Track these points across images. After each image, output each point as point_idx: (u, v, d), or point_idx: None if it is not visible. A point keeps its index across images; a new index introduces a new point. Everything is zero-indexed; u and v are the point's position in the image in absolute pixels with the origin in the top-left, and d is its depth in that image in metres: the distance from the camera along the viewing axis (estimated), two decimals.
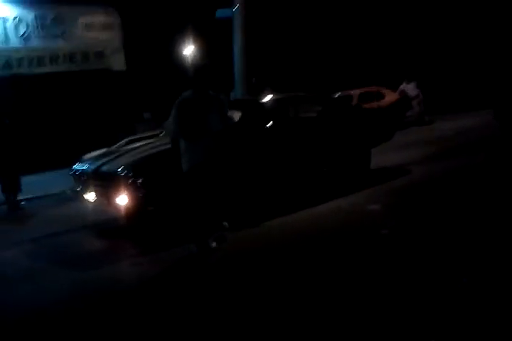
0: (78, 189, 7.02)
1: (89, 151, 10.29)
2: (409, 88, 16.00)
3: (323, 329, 3.15)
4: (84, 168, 6.95)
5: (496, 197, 5.70)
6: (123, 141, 9.77)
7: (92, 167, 6.72)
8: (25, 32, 16.33)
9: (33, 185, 10.29)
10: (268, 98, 7.55)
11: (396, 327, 3.04)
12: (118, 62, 17.74)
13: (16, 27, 16.19)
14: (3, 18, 15.67)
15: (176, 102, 5.30)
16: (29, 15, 16.14)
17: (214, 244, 5.25)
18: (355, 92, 16.12)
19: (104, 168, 6.45)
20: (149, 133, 9.65)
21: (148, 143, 7.12)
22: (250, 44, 12.37)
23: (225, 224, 5.43)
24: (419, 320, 3.07)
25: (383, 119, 8.94)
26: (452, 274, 3.69)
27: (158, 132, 9.40)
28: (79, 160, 7.64)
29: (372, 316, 3.23)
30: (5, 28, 15.99)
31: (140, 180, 5.75)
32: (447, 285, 3.53)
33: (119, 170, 5.92)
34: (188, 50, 21.35)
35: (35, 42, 16.43)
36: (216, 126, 5.17)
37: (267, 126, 7.02)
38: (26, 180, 9.84)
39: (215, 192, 5.19)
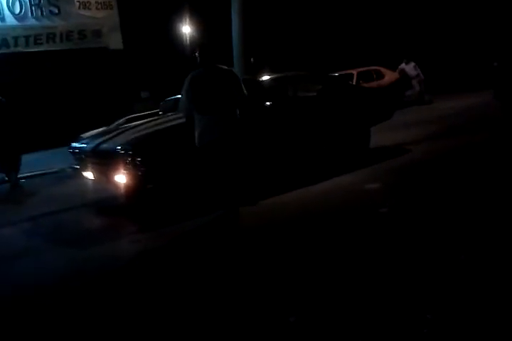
0: (77, 166, 7.01)
1: (87, 130, 10.30)
2: (409, 68, 15.94)
3: (324, 299, 3.17)
4: (83, 145, 6.93)
5: (495, 175, 5.71)
6: (122, 120, 9.77)
7: (91, 145, 6.70)
8: (21, 10, 16.17)
9: (32, 163, 10.29)
10: (267, 77, 7.50)
11: (393, 300, 3.06)
12: (115, 41, 17.60)
13: (12, 5, 16.03)
14: None
15: (188, 79, 5.27)
16: None
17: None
18: (355, 72, 16.03)
19: (103, 146, 6.44)
20: (148, 112, 9.64)
21: (148, 122, 7.10)
22: (249, 23, 12.24)
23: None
24: (416, 296, 3.09)
25: (383, 98, 8.90)
26: (450, 251, 3.71)
27: (156, 111, 9.38)
28: (77, 138, 7.62)
29: (369, 291, 3.25)
30: (1, 7, 15.83)
31: (139, 158, 5.73)
32: (445, 261, 3.54)
33: (119, 148, 5.90)
34: (186, 28, 21.17)
35: (31, 21, 16.30)
36: (235, 99, 5.23)
37: (266, 104, 6.98)
38: (25, 159, 9.81)
39: (232, 168, 5.24)
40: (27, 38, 16.19)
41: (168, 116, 7.45)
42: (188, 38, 21.14)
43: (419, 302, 3.01)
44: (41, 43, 16.39)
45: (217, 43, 5.99)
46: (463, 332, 2.66)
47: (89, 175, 6.72)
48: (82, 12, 17.09)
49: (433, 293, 3.10)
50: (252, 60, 12.92)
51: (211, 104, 5.16)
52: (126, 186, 6.02)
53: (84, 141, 7.33)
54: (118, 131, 7.03)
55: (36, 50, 16.17)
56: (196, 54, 5.36)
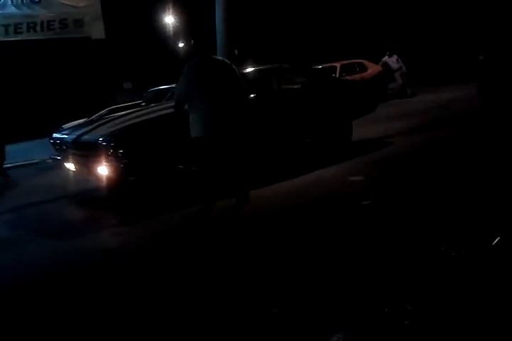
0: (59, 157, 6.95)
1: (69, 121, 10.19)
2: (391, 61, 16.02)
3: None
4: (64, 136, 6.86)
5: (476, 168, 5.77)
6: (104, 111, 9.67)
7: (73, 136, 6.64)
8: None
9: (13, 154, 10.16)
10: (251, 69, 7.48)
11: (374, 292, 3.09)
12: (97, 31, 17.38)
13: None
14: None
15: (189, 66, 5.28)
16: None
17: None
18: (338, 64, 16.06)
19: (85, 137, 6.38)
20: (130, 103, 9.56)
21: (130, 113, 7.03)
22: (233, 14, 12.18)
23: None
24: (397, 287, 3.12)
25: (366, 91, 8.93)
26: (431, 243, 3.74)
27: (139, 102, 9.31)
28: (59, 129, 7.55)
29: (350, 282, 3.28)
30: None
31: (121, 150, 5.70)
32: (426, 253, 3.58)
33: (101, 139, 5.85)
34: (169, 18, 21.01)
35: (11, 9, 16.02)
36: (236, 90, 5.29)
37: (251, 96, 6.96)
38: (6, 149, 9.69)
39: (235, 158, 5.37)
40: (6, 26, 15.92)
41: (150, 107, 7.40)
42: (171, 29, 20.98)
43: (399, 293, 3.05)
44: (21, 32, 16.13)
45: (198, 35, 6.07)
46: (443, 324, 2.70)
47: (70, 166, 6.67)
48: (64, 1, 16.83)
49: (414, 285, 3.13)
50: (236, 51, 12.89)
51: (216, 91, 5.18)
52: (108, 178, 5.99)
53: (65, 132, 7.25)
54: (100, 122, 6.97)
55: (16, 39, 15.92)
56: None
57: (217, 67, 5.28)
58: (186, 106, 5.39)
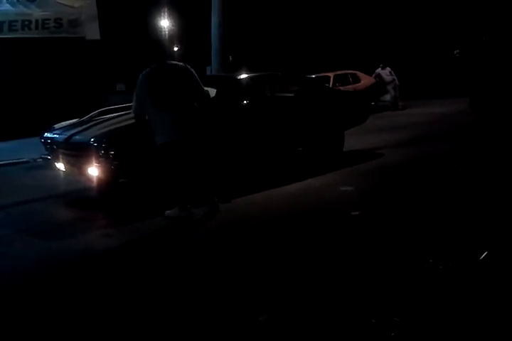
0: (49, 157, 6.90)
1: (60, 121, 10.12)
2: (384, 73, 16.14)
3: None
4: (55, 136, 6.82)
5: (464, 182, 5.82)
6: (95, 112, 9.61)
7: (64, 136, 6.59)
8: None
9: (3, 152, 10.08)
10: (244, 75, 7.50)
11: (361, 303, 3.10)
12: (92, 31, 17.33)
13: None
14: None
15: (143, 75, 5.20)
16: None
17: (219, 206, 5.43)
18: (332, 74, 16.16)
19: (76, 138, 6.34)
20: (123, 105, 9.52)
21: (122, 115, 7.00)
22: (228, 21, 12.24)
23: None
24: (384, 299, 3.13)
25: (358, 102, 8.99)
26: (419, 255, 3.76)
27: (131, 104, 9.27)
28: (50, 129, 7.49)
29: (337, 293, 3.28)
30: None
31: (113, 152, 5.68)
32: (413, 265, 3.60)
33: (92, 140, 5.82)
34: (164, 22, 21.05)
35: (5, 7, 15.94)
36: (195, 92, 5.17)
37: (243, 103, 6.98)
38: None
39: (197, 167, 5.25)
40: (1, 23, 15.83)
41: None
42: (166, 32, 21.00)
43: (387, 304, 3.05)
44: (16, 30, 16.04)
45: (193, 39, 6.00)
46: (430, 336, 2.71)
47: (60, 166, 6.63)
48: (60, 0, 16.79)
49: (401, 296, 3.15)
50: (230, 57, 12.93)
51: (169, 100, 5.09)
52: (99, 179, 5.96)
53: (57, 132, 7.20)
54: (92, 123, 6.92)
55: (10, 36, 15.83)
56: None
57: (170, 74, 5.16)
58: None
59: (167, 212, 5.39)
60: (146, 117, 5.31)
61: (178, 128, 5.13)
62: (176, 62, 5.30)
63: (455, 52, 8.57)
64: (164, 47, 5.32)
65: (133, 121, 6.27)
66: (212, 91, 6.91)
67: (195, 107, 5.26)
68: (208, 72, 12.27)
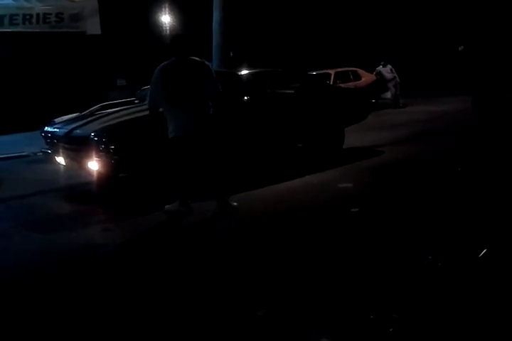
0: (49, 151, 6.91)
1: (61, 115, 10.15)
2: (385, 70, 16.12)
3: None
4: (56, 130, 6.83)
5: (464, 180, 5.83)
6: (96, 106, 9.64)
7: (64, 130, 6.60)
8: None
9: (3, 146, 10.08)
10: (246, 71, 7.49)
11: (359, 299, 3.11)
12: (93, 26, 17.30)
13: None
14: None
15: (158, 69, 5.16)
16: None
17: (234, 204, 5.34)
18: (333, 71, 16.15)
19: (77, 132, 6.35)
20: (124, 100, 9.54)
21: (123, 110, 7.02)
22: (230, 17, 12.21)
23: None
24: (383, 295, 3.14)
25: (359, 99, 8.98)
26: (418, 252, 3.77)
27: (132, 99, 9.29)
28: (50, 123, 7.51)
29: (336, 289, 3.29)
30: None
31: (113, 146, 5.68)
32: (412, 262, 3.61)
33: (93, 134, 5.83)
34: (166, 17, 21.00)
35: (7, 0, 15.91)
36: (209, 91, 5.10)
37: (243, 99, 6.97)
38: None
39: (212, 161, 5.21)
40: (2, 17, 15.80)
41: (144, 104, 7.38)
42: (167, 28, 20.95)
43: (386, 301, 3.06)
44: (17, 24, 16.02)
45: (194, 35, 5.91)
46: (428, 332, 2.72)
47: (61, 160, 6.63)
48: None
49: (400, 293, 3.15)
50: (231, 53, 12.90)
51: (181, 96, 5.06)
52: (99, 173, 5.97)
53: (57, 126, 7.21)
54: (92, 118, 6.94)
55: (11, 30, 15.80)
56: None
57: (185, 69, 5.11)
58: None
59: (167, 206, 5.38)
60: (160, 109, 5.27)
61: (187, 124, 5.09)
62: (194, 58, 5.21)
63: (459, 48, 8.50)
64: (185, 42, 5.21)
65: (133, 115, 6.32)
66: None
67: (207, 104, 5.19)
68: None
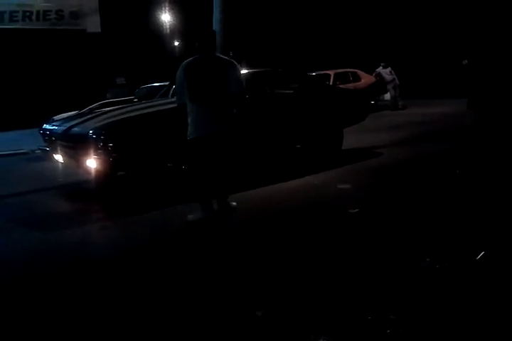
0: (47, 148, 6.90)
1: (59, 113, 10.12)
2: (385, 72, 16.13)
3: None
4: (54, 127, 6.81)
5: (462, 182, 5.83)
6: (95, 104, 9.63)
7: (63, 127, 6.59)
8: None
9: (1, 143, 10.07)
10: (244, 71, 7.47)
11: (357, 300, 3.10)
12: (93, 24, 17.29)
13: None
14: None
15: (183, 66, 4.98)
16: None
17: (233, 204, 5.25)
18: (332, 72, 16.16)
19: (75, 130, 6.34)
20: (123, 98, 9.53)
21: (122, 108, 7.01)
22: (230, 16, 12.21)
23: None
24: (380, 294, 3.14)
25: (358, 100, 8.98)
26: (416, 253, 3.77)
27: (131, 97, 9.28)
28: (49, 120, 7.49)
29: (333, 290, 3.29)
30: None
31: (111, 144, 5.66)
32: (410, 263, 3.60)
33: (91, 132, 5.81)
34: (166, 16, 20.99)
35: None
36: (232, 90, 4.92)
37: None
38: None
39: (227, 161, 5.10)
40: (2, 14, 15.78)
41: (143, 103, 7.38)
42: (167, 27, 20.95)
43: (383, 302, 3.06)
44: (17, 20, 16.00)
45: (194, 35, 5.74)
46: (425, 333, 2.71)
47: (59, 157, 6.62)
48: None
49: (398, 294, 3.15)
50: (231, 53, 12.89)
51: (204, 94, 4.88)
52: (97, 171, 5.95)
53: (55, 123, 7.20)
54: (91, 115, 6.93)
55: (11, 27, 15.77)
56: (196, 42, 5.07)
57: (210, 67, 4.95)
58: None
59: (190, 216, 5.08)
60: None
61: (209, 123, 4.90)
62: (221, 56, 5.09)
63: (463, 62, 8.53)
64: (213, 39, 5.07)
65: (132, 114, 6.30)
66: None
67: (230, 104, 5.01)
68: None
